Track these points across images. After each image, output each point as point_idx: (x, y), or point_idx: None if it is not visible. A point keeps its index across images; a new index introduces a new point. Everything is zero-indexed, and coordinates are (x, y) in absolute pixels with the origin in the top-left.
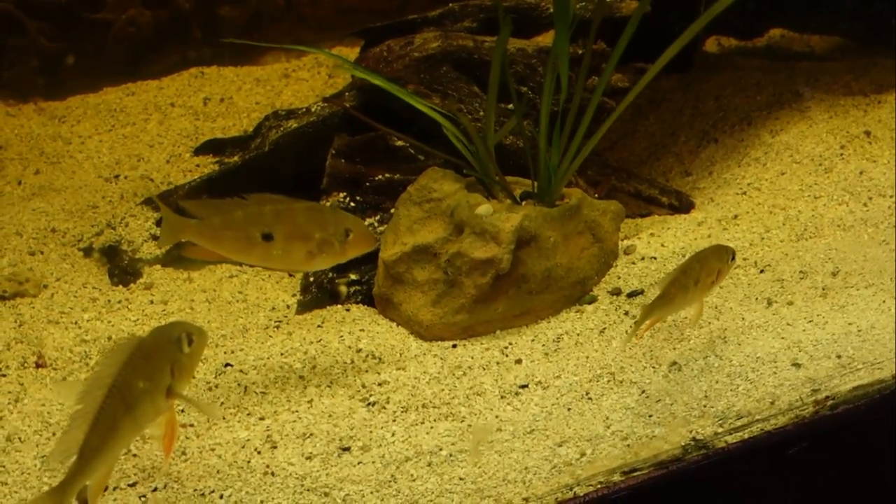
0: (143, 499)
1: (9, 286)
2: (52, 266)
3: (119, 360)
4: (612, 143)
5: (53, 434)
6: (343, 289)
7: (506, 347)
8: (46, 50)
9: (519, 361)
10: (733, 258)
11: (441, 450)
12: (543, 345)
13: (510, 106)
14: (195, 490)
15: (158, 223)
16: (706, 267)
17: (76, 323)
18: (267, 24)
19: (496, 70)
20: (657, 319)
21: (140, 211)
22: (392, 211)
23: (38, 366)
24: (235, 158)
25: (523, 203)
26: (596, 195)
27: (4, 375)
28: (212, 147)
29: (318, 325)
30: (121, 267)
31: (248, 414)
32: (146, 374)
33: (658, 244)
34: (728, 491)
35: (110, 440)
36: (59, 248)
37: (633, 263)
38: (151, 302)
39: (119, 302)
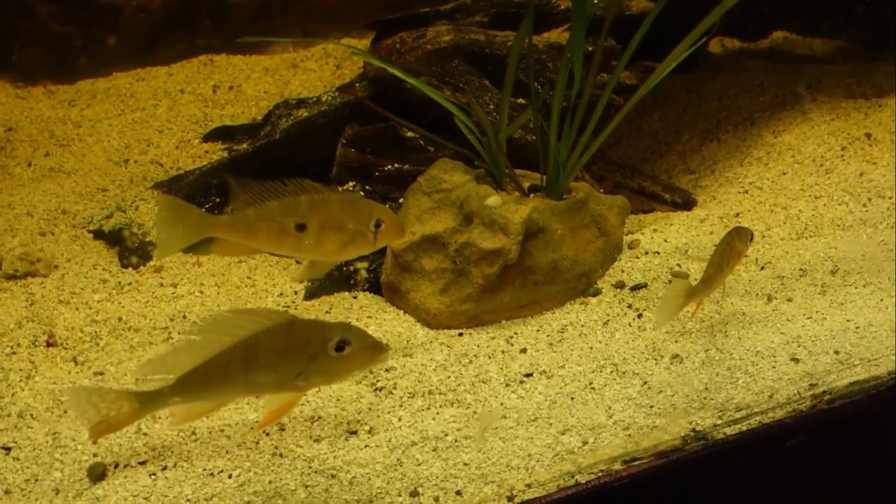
0: (153, 477)
1: (21, 265)
2: (62, 247)
3: (249, 318)
4: (617, 140)
5: (64, 412)
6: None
7: (511, 337)
8: (56, 34)
9: (524, 351)
10: (752, 239)
11: (447, 435)
12: (548, 335)
13: (519, 100)
14: (204, 469)
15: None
16: (733, 248)
17: (87, 304)
18: (276, 13)
19: (513, 62)
20: (701, 301)
21: (150, 195)
22: (401, 201)
23: (48, 345)
24: (245, 146)
25: (531, 196)
26: (601, 190)
27: (16, 353)
28: (221, 134)
29: (326, 312)
30: (131, 249)
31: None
32: (279, 349)
33: (661, 240)
34: (726, 481)
35: (215, 382)
36: (69, 230)
37: (637, 258)
38: (161, 285)
39: (129, 284)
